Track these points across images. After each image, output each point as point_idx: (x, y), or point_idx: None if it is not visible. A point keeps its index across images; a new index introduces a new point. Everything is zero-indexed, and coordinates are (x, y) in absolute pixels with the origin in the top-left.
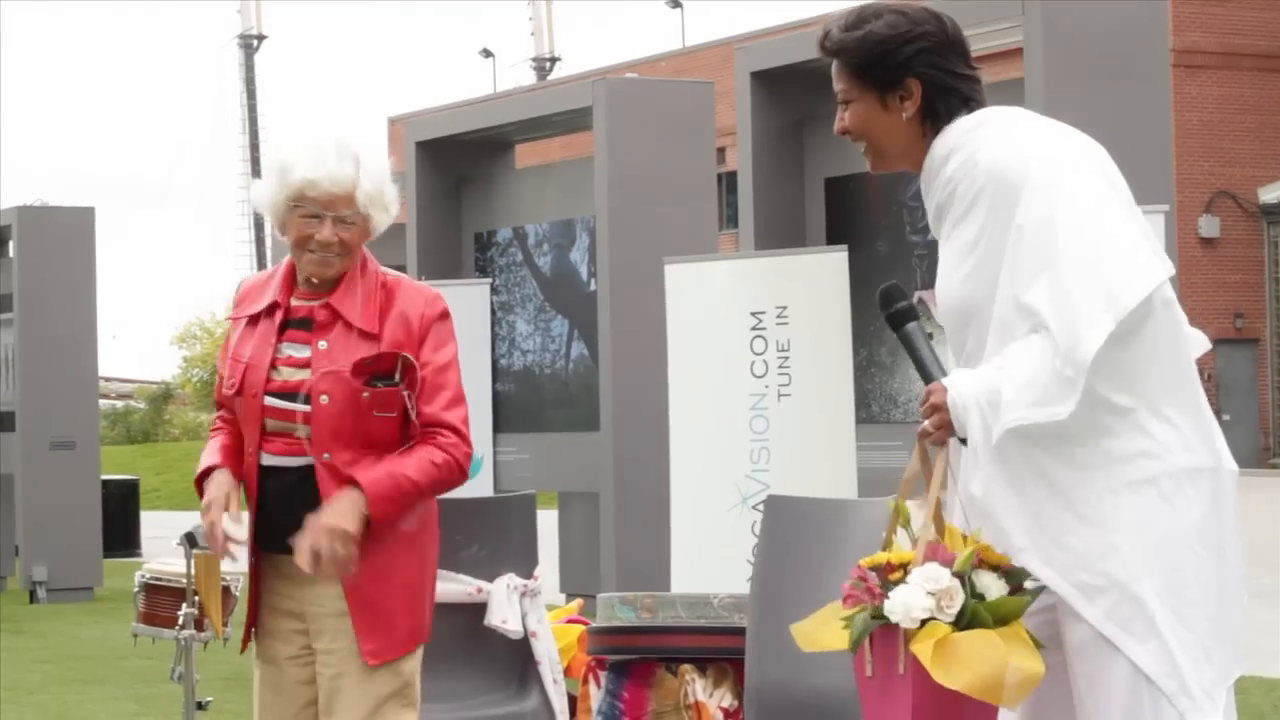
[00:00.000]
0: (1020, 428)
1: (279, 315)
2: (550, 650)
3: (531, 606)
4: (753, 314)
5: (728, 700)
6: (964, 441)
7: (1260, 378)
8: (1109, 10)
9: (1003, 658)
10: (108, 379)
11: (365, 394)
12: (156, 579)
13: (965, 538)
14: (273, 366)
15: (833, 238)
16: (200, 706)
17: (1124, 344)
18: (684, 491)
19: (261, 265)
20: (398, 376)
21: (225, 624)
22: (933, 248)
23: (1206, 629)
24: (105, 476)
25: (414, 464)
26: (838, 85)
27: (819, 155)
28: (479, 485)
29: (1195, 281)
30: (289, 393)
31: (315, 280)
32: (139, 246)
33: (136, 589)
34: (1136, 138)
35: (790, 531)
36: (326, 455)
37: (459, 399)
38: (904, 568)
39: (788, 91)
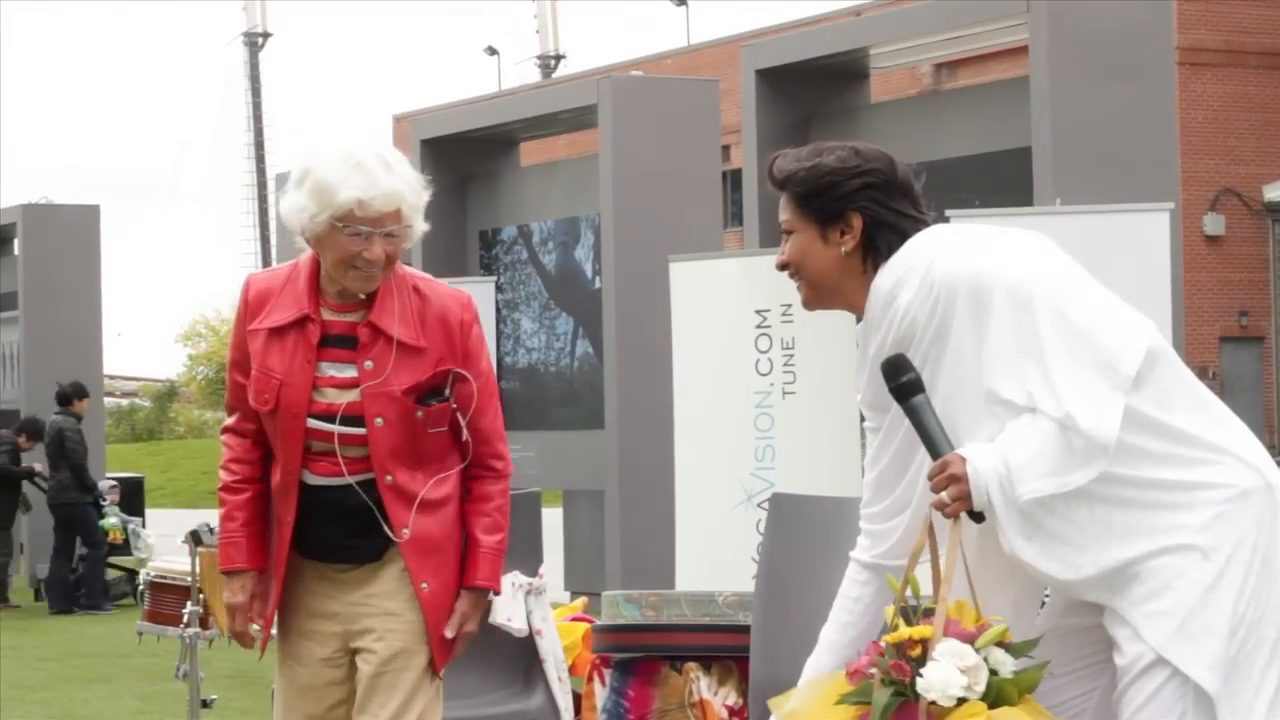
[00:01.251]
0: (1037, 499)
1: (313, 331)
2: (555, 648)
3: (536, 604)
4: (757, 312)
5: (732, 698)
6: (976, 517)
7: (1265, 375)
8: (1114, 8)
9: None
10: (112, 377)
11: (419, 413)
12: (162, 577)
13: (976, 613)
14: (314, 387)
15: None
16: (205, 704)
17: (1140, 395)
18: (689, 489)
19: (266, 263)
20: (448, 392)
21: None
22: None
23: (1270, 647)
24: (110, 474)
25: (488, 523)
26: (782, 216)
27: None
28: None
29: (1200, 280)
30: (333, 415)
31: (361, 296)
32: (144, 244)
33: (142, 587)
34: (1141, 135)
35: (795, 529)
36: (389, 478)
37: (499, 404)
38: (923, 644)
39: (793, 89)
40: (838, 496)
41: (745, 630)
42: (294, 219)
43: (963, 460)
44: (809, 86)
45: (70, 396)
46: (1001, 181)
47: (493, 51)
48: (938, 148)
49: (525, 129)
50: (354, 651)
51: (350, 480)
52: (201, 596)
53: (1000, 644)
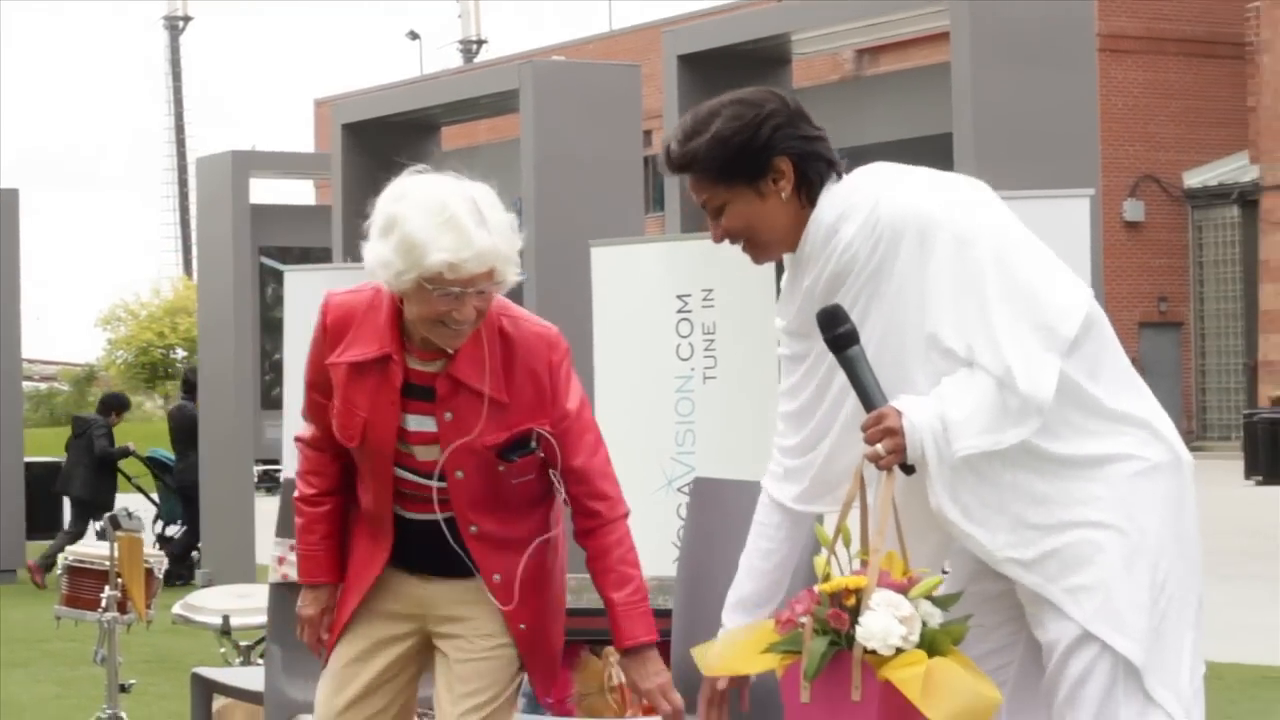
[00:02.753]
0: (971, 456)
1: (396, 373)
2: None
3: None
4: (678, 297)
5: None
6: (907, 469)
7: (1184, 361)
8: None
9: (973, 686)
10: (31, 361)
11: (501, 467)
12: (80, 561)
13: (905, 564)
14: (400, 439)
15: None
16: (123, 689)
17: (1072, 361)
18: None
19: (187, 249)
20: (534, 444)
21: (149, 606)
22: None
23: (1190, 620)
24: (28, 459)
25: (615, 579)
26: (701, 196)
27: None
28: None
29: (1120, 265)
30: (417, 470)
31: (450, 351)
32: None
33: (60, 571)
34: (1063, 122)
35: (716, 514)
36: (474, 529)
37: (598, 439)
38: (857, 594)
39: (714, 74)
40: (759, 481)
41: (667, 614)
42: (379, 273)
43: (898, 414)
44: (730, 72)
45: (194, 385)
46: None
47: (415, 36)
48: (860, 133)
49: (446, 113)
50: (431, 635)
51: (440, 518)
52: (120, 581)
53: (928, 597)
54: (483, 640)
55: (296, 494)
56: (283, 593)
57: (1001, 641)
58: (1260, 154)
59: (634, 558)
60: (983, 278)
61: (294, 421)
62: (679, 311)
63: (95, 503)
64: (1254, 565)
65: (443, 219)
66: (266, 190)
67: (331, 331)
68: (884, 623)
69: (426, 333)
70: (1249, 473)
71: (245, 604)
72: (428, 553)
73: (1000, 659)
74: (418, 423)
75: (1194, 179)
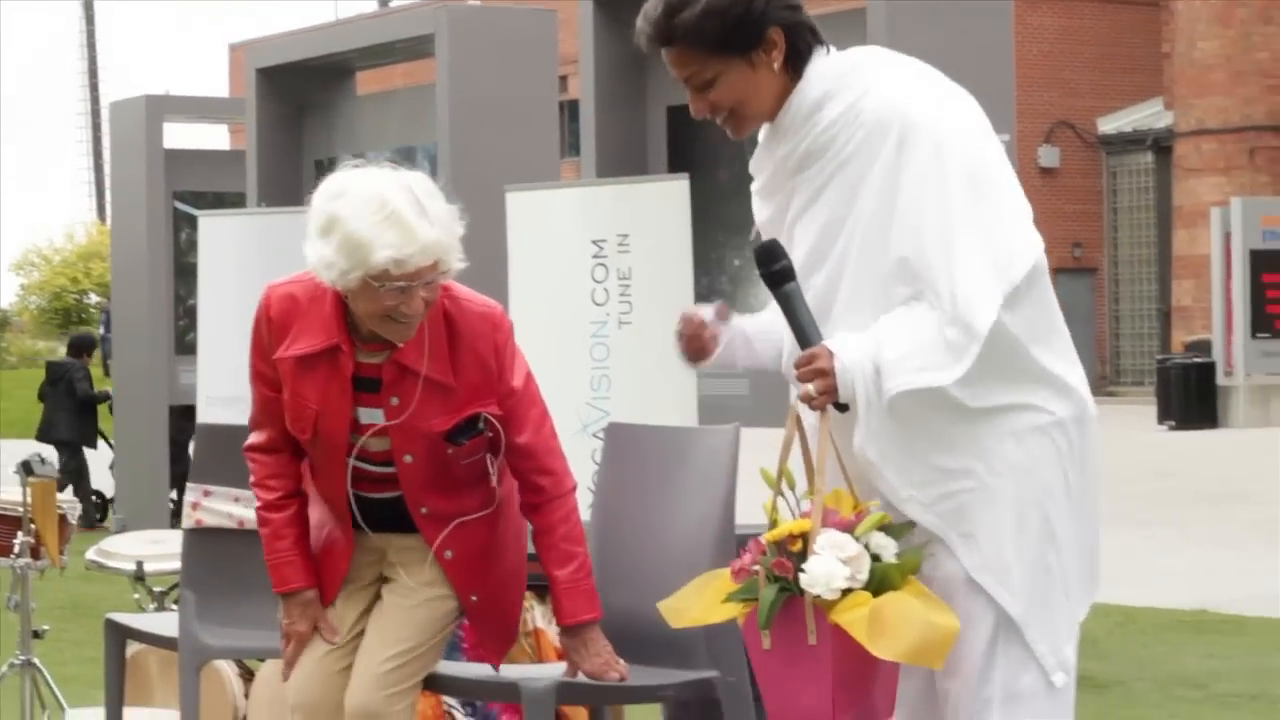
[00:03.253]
0: (905, 392)
1: (345, 363)
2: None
3: None
4: (594, 242)
5: None
6: (840, 407)
7: (1098, 307)
8: None
9: (925, 618)
10: None
11: (450, 450)
12: None
13: (853, 499)
14: (353, 430)
15: (674, 166)
16: (36, 635)
17: (1008, 306)
18: None
19: (101, 194)
20: (482, 425)
21: (62, 552)
22: None
23: (1073, 570)
24: None
25: (558, 556)
26: (686, 70)
27: (660, 83)
28: None
29: (1035, 211)
30: (370, 459)
31: (399, 344)
32: None
33: None
34: (978, 67)
35: (631, 459)
36: (424, 510)
37: (544, 414)
38: (803, 537)
39: (630, 19)
40: (673, 426)
41: None
42: (323, 273)
43: (830, 354)
44: None
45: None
46: None
47: None
48: None
49: (362, 58)
50: (384, 580)
51: (394, 494)
52: (33, 527)
53: (881, 528)
54: (422, 589)
55: (259, 503)
56: (196, 538)
57: None
58: (1174, 100)
59: (579, 534)
60: (951, 199)
61: (209, 366)
62: (594, 257)
63: (81, 443)
64: (1166, 510)
65: (384, 215)
66: (181, 135)
67: (276, 324)
68: (827, 566)
69: (375, 328)
70: (1162, 418)
71: (159, 550)
72: (386, 520)
73: None
74: (368, 415)
75: (1108, 125)
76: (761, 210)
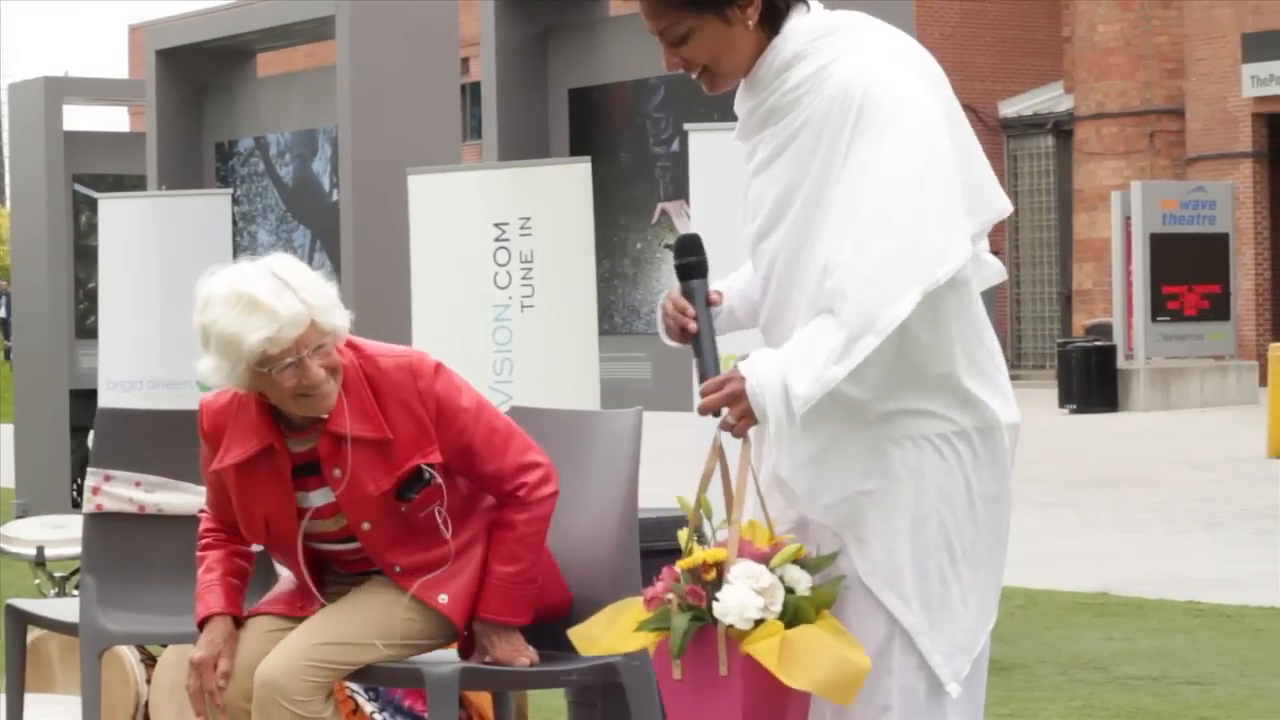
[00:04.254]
0: (811, 399)
1: (285, 464)
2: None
3: None
4: (496, 225)
5: None
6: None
7: (999, 289)
8: None
9: (837, 652)
10: None
11: (403, 507)
12: None
13: (769, 532)
14: (301, 518)
15: (576, 149)
16: None
17: (926, 309)
18: None
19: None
20: (428, 476)
21: None
22: (675, 160)
23: (972, 583)
24: None
25: (504, 553)
26: (659, 24)
27: (562, 66)
28: None
29: None
30: (332, 539)
31: (325, 415)
32: None
33: None
34: None
35: (535, 441)
36: (397, 568)
37: (508, 434)
38: (718, 567)
39: (530, 2)
40: (576, 410)
41: None
42: (217, 380)
43: (741, 378)
44: (546, 0)
45: None
46: None
47: None
48: None
49: (262, 40)
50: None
51: (375, 570)
52: None
53: (795, 561)
54: (392, 597)
55: (199, 547)
56: (97, 523)
57: None
58: (1075, 84)
59: (535, 541)
60: (888, 185)
61: (109, 350)
62: (496, 240)
63: None
64: (1067, 493)
65: (243, 305)
66: (80, 117)
67: (210, 436)
68: (740, 596)
69: (295, 410)
70: (1063, 401)
71: (60, 535)
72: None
73: None
74: (320, 497)
75: (1009, 108)
76: (741, 146)
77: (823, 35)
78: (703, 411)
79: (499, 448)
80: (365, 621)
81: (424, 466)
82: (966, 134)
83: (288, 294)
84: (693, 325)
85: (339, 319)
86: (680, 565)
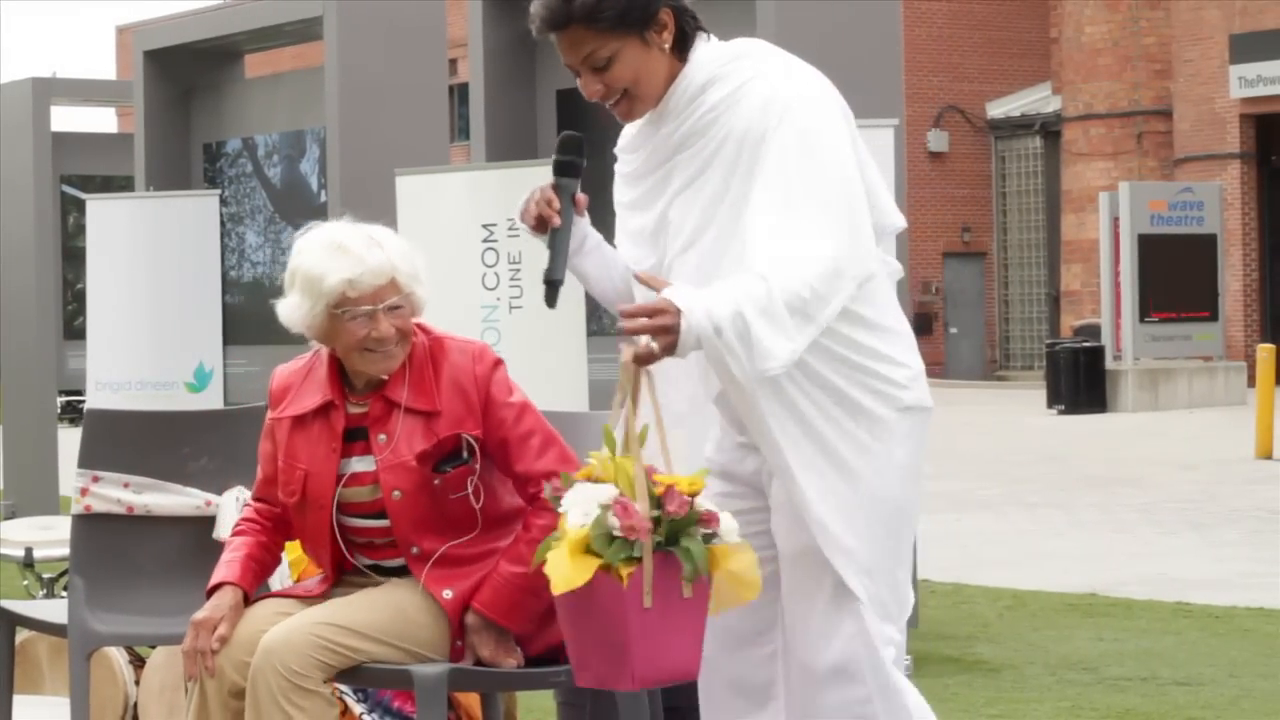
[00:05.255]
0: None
1: (338, 419)
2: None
3: None
4: (484, 226)
5: None
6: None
7: (987, 291)
8: None
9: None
10: None
11: (436, 481)
12: None
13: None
14: (343, 484)
15: None
16: None
17: (859, 299)
18: None
19: None
20: (465, 454)
21: None
22: None
23: (908, 555)
24: None
25: (514, 552)
26: (582, 51)
27: (550, 67)
28: (208, 398)
29: (924, 195)
30: (366, 512)
31: (384, 378)
32: None
33: None
34: (866, 51)
35: None
36: (415, 549)
37: (550, 439)
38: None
39: (518, 3)
40: (564, 411)
41: None
42: (295, 320)
43: (677, 311)
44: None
45: None
46: None
47: None
48: None
49: (250, 41)
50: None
51: (396, 563)
52: None
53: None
54: (413, 601)
55: (236, 524)
56: (86, 524)
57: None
58: (1062, 85)
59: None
60: (810, 190)
61: (98, 351)
62: (485, 241)
63: None
64: (1055, 494)
65: (333, 247)
66: (68, 118)
67: (274, 396)
68: (728, 521)
69: (358, 365)
70: (1051, 402)
71: (48, 536)
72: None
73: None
74: (360, 463)
75: (997, 110)
76: (626, 191)
77: (733, 59)
78: (629, 333)
79: (534, 450)
80: (376, 615)
81: (464, 437)
82: (864, 152)
83: (377, 249)
84: (556, 220)
85: (420, 290)
86: (657, 491)
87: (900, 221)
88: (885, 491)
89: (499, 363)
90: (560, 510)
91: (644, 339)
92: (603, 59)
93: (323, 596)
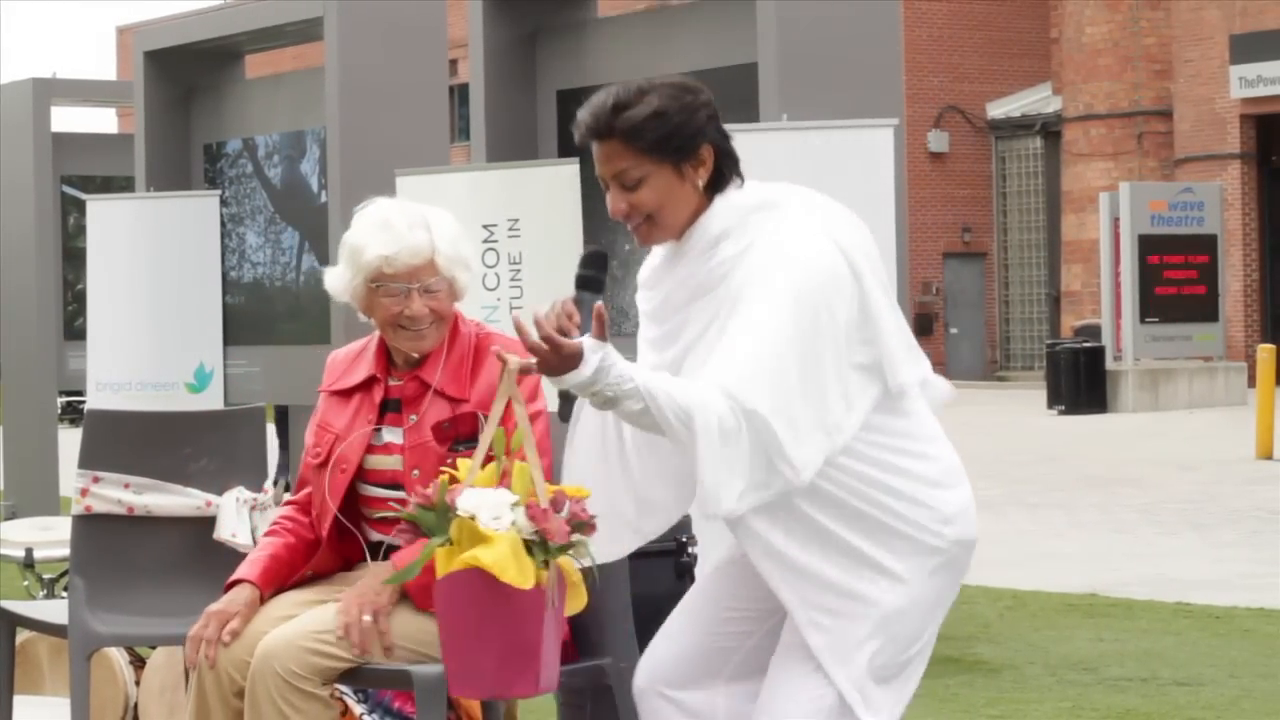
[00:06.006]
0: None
1: (378, 391)
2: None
3: (261, 519)
4: (485, 226)
5: None
6: (565, 406)
7: (987, 291)
8: None
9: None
10: None
11: (450, 460)
12: None
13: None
14: (372, 452)
15: (565, 150)
16: None
17: (891, 416)
18: None
19: None
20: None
21: None
22: None
23: (916, 674)
24: None
25: None
26: (616, 166)
27: (550, 67)
28: (208, 398)
29: (924, 196)
30: (387, 482)
31: (415, 356)
32: None
33: None
34: (867, 52)
35: None
36: None
37: (543, 452)
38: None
39: (519, 3)
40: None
41: None
42: (339, 289)
43: (593, 360)
44: (537, 2)
45: None
46: (729, 97)
47: None
48: (664, 63)
49: (250, 41)
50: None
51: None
52: None
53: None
54: (410, 611)
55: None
56: (86, 525)
57: (752, 612)
58: (1063, 85)
59: None
60: (792, 347)
61: (98, 351)
62: (485, 241)
63: None
64: (1055, 494)
65: (379, 222)
66: (68, 119)
67: (327, 376)
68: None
69: (392, 340)
70: (1051, 402)
71: (48, 536)
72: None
73: (747, 625)
74: (390, 434)
75: (997, 110)
76: (647, 329)
77: (753, 211)
78: (527, 348)
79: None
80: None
81: (482, 419)
82: (878, 303)
83: (422, 230)
84: (575, 334)
85: (461, 275)
86: (548, 500)
87: (908, 378)
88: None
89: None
90: (457, 514)
91: (530, 360)
92: (633, 179)
93: (327, 585)
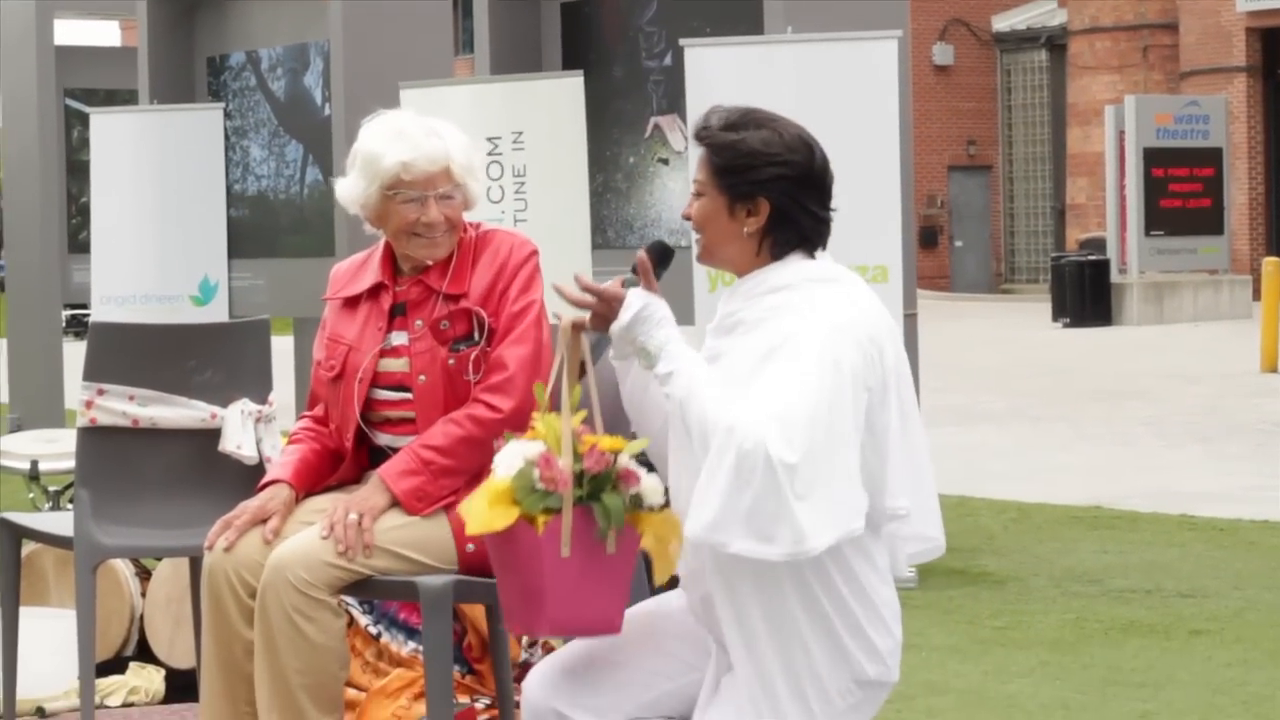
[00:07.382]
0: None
1: (386, 298)
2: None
3: (266, 432)
4: (489, 139)
5: None
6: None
7: (993, 204)
8: None
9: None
10: None
11: (450, 360)
12: None
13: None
14: (382, 356)
15: (569, 63)
16: None
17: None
18: None
19: None
20: (477, 335)
21: None
22: (668, 74)
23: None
24: None
25: (438, 434)
26: (698, 174)
27: None
28: (213, 311)
29: (929, 109)
30: (395, 385)
31: (429, 263)
32: None
33: None
34: None
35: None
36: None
37: (534, 354)
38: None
39: None
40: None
41: None
42: (351, 199)
43: (639, 304)
44: None
45: None
46: (732, 10)
47: None
48: None
49: None
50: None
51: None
52: None
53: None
54: (418, 520)
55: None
56: (91, 437)
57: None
58: None
59: (462, 450)
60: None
61: (102, 264)
62: (489, 154)
63: None
64: (1059, 407)
65: (394, 131)
66: (71, 32)
67: (332, 286)
68: (652, 481)
69: (405, 248)
70: (1056, 315)
71: (53, 449)
72: None
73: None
74: (398, 338)
75: (1002, 23)
76: (707, 341)
77: (817, 282)
78: (572, 303)
79: (512, 341)
80: (384, 527)
81: (475, 316)
82: (892, 417)
83: (436, 138)
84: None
85: (474, 184)
86: (581, 448)
87: (900, 509)
88: None
89: (533, 256)
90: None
91: (583, 314)
92: (699, 189)
93: (341, 488)
